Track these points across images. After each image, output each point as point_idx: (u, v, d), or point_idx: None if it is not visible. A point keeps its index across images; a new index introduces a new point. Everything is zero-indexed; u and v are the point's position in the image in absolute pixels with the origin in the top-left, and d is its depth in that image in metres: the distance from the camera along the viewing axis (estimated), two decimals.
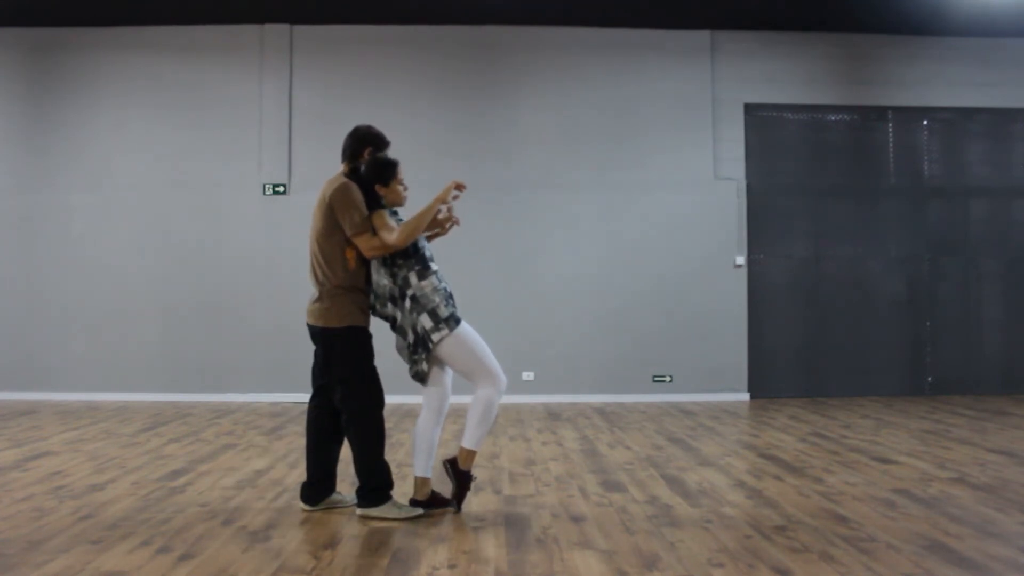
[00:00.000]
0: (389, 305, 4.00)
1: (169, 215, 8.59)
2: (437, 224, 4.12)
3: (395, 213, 4.07)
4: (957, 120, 9.14)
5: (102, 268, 8.53)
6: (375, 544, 3.54)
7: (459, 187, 4.02)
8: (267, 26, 8.67)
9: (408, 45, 8.76)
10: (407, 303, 3.93)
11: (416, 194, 4.32)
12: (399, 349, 4.04)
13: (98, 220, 8.59)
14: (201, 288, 8.51)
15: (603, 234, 8.70)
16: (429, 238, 4.15)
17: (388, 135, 4.27)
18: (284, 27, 8.68)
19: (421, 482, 4.01)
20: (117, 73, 8.69)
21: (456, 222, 4.17)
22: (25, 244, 8.59)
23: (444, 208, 4.09)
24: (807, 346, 8.87)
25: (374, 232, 3.91)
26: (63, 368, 8.47)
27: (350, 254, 3.97)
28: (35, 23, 8.62)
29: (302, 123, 8.63)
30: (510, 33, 8.79)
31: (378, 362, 4.05)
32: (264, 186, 8.59)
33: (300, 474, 4.69)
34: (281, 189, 8.58)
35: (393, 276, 3.97)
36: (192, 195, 8.60)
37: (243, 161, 8.63)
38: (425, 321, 3.89)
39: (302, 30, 8.70)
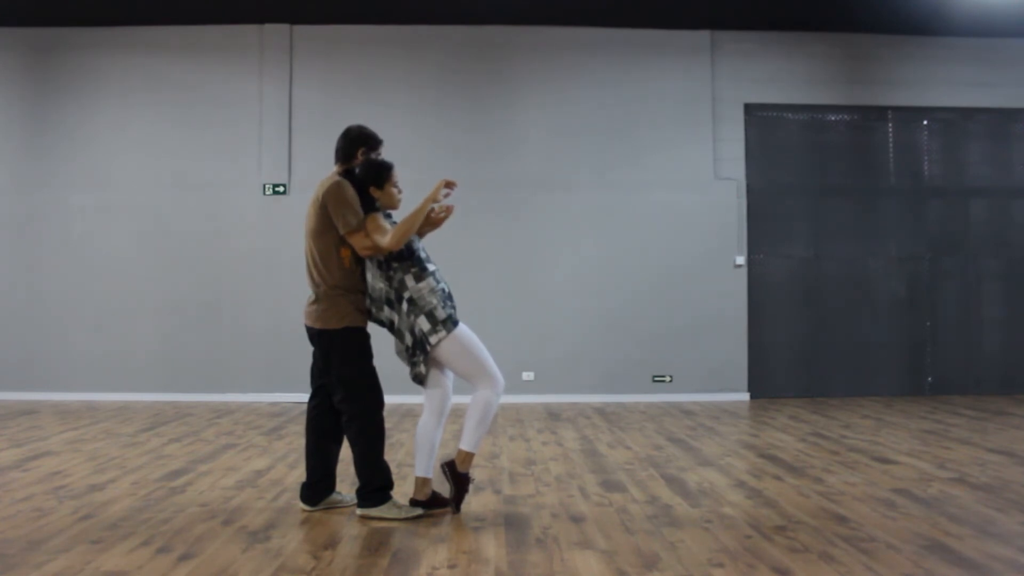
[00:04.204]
0: (386, 308, 3.99)
1: (169, 215, 8.60)
2: (431, 223, 4.11)
3: (389, 216, 4.06)
4: (957, 120, 9.14)
5: (102, 268, 8.53)
6: (375, 544, 3.54)
7: (449, 185, 4.01)
8: (267, 26, 8.68)
9: (408, 45, 8.76)
10: (404, 306, 3.92)
11: (417, 194, 4.31)
12: (398, 352, 4.03)
13: (98, 220, 8.59)
14: (201, 288, 8.51)
15: (603, 234, 8.70)
16: (421, 234, 4.13)
17: (388, 135, 4.27)
18: (284, 27, 8.68)
19: (422, 482, 4.01)
20: (117, 73, 8.69)
21: (451, 213, 4.14)
22: (25, 244, 8.59)
23: (436, 206, 4.07)
24: (807, 346, 8.87)
25: (367, 232, 3.90)
26: (63, 368, 8.47)
27: (345, 253, 3.96)
28: (35, 23, 8.62)
29: (302, 123, 8.64)
30: (510, 33, 8.79)
31: (377, 362, 4.05)
32: (264, 186, 8.59)
33: (300, 474, 4.69)
34: (281, 189, 8.58)
35: (389, 279, 3.95)
36: (192, 195, 8.60)
37: (243, 161, 8.63)
38: (423, 323, 3.88)
39: (302, 30, 8.70)
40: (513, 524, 3.83)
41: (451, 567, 3.21)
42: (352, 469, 4.07)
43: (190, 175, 8.63)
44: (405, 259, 3.92)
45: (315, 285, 4.01)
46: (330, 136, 4.36)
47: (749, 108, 8.93)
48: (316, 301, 3.99)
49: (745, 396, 8.66)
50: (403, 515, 3.91)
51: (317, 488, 4.10)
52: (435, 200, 3.98)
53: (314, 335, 4.02)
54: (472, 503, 4.20)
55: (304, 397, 4.46)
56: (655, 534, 3.66)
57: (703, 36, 8.86)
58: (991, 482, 4.69)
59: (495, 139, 8.73)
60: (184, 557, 3.31)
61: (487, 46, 8.82)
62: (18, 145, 8.68)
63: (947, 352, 8.98)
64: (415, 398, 6.78)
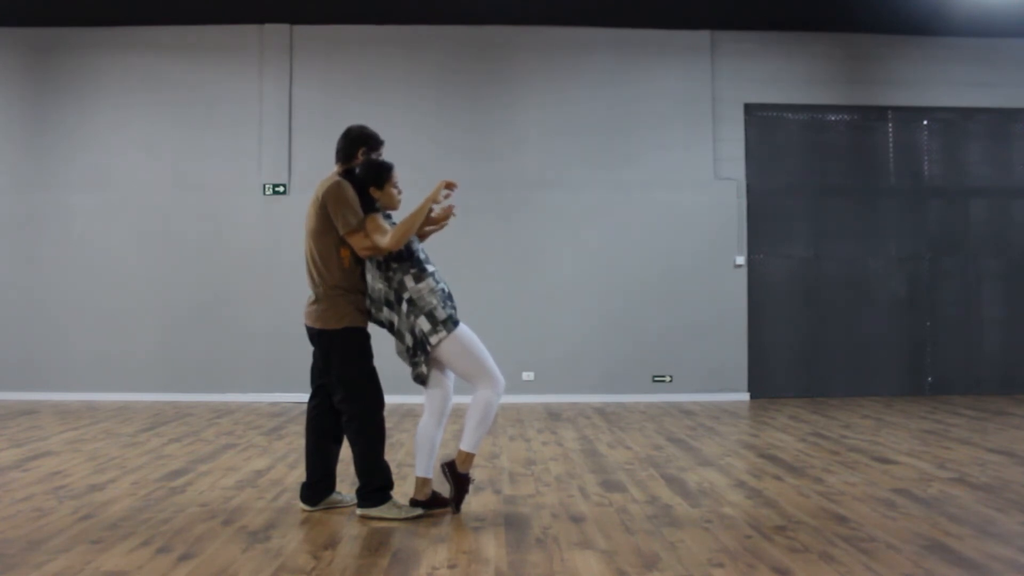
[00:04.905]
0: (385, 309, 3.98)
1: (169, 215, 8.59)
2: (432, 222, 4.11)
3: (388, 216, 4.06)
4: (957, 120, 9.14)
5: (102, 268, 8.53)
6: (375, 544, 3.54)
7: (449, 186, 4.01)
8: (267, 26, 8.67)
9: (408, 45, 8.76)
10: (404, 306, 3.91)
11: (417, 194, 4.31)
12: (399, 353, 4.03)
13: (98, 220, 8.59)
14: (201, 288, 8.51)
15: (603, 234, 8.70)
16: (424, 236, 4.14)
17: (387, 135, 4.27)
18: (284, 27, 8.68)
19: (422, 482, 4.01)
20: (117, 73, 8.69)
21: (453, 213, 4.16)
22: (25, 244, 8.59)
23: (437, 208, 4.08)
24: (807, 346, 8.87)
25: (367, 232, 3.90)
26: (63, 368, 8.47)
27: (345, 253, 3.96)
28: (35, 23, 8.62)
29: (302, 123, 8.64)
30: (510, 33, 8.79)
31: (378, 363, 4.05)
32: (264, 186, 8.59)
33: (300, 474, 4.69)
34: (281, 189, 8.58)
35: (388, 280, 3.95)
36: (192, 195, 8.60)
37: (243, 161, 8.63)
38: (423, 324, 3.88)
39: (302, 30, 8.70)
40: (513, 524, 3.83)
41: (451, 567, 3.21)
42: (352, 469, 4.07)
43: (190, 175, 8.63)
44: (404, 260, 3.92)
45: (315, 285, 4.01)
46: (330, 136, 4.36)
47: (749, 108, 8.93)
48: (316, 301, 4.00)
49: (745, 396, 8.66)
50: (403, 515, 3.91)
51: (317, 488, 4.10)
52: (435, 201, 3.99)
53: (314, 335, 4.03)
54: (472, 503, 4.20)
55: (304, 397, 4.46)
56: (655, 534, 3.66)
57: (703, 36, 8.86)
58: (991, 482, 4.69)
59: (495, 139, 8.73)
60: (184, 557, 3.31)
61: (487, 46, 8.82)
62: (18, 145, 8.67)
63: (947, 352, 8.98)
64: (415, 398, 6.78)
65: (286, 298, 7.90)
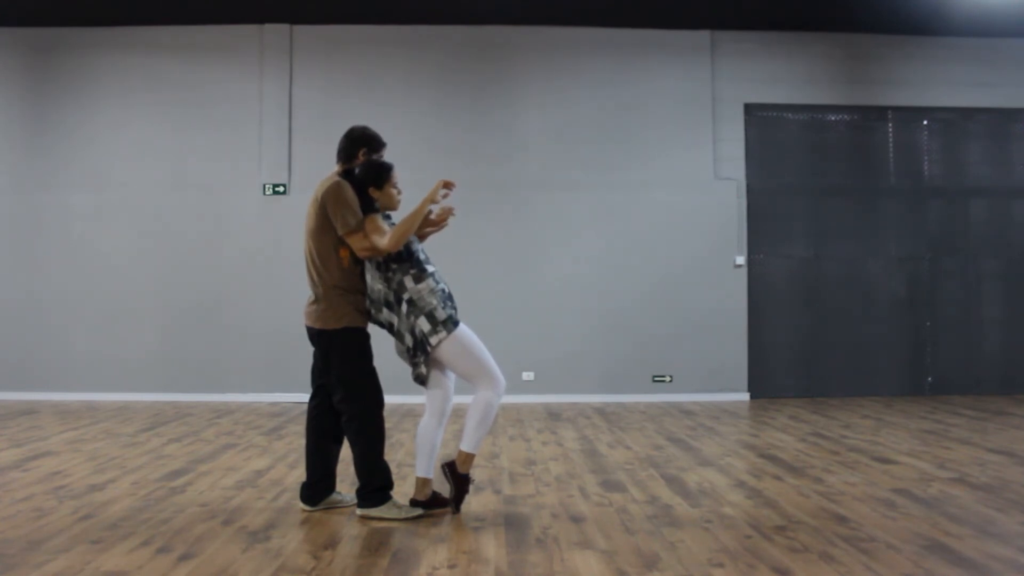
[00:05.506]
0: (384, 310, 3.98)
1: (169, 215, 8.60)
2: (431, 223, 4.11)
3: (388, 217, 4.06)
4: (957, 120, 9.14)
5: (102, 268, 8.53)
6: (375, 544, 3.54)
7: (447, 185, 4.01)
8: (267, 26, 8.68)
9: (408, 45, 8.77)
10: (404, 307, 3.91)
11: (417, 194, 4.30)
12: (399, 353, 4.02)
13: (98, 220, 8.59)
14: (201, 288, 8.51)
15: (603, 234, 8.70)
16: (423, 236, 4.14)
17: (387, 135, 4.27)
18: (284, 27, 8.68)
19: (422, 482, 4.01)
20: (117, 73, 8.69)
21: (452, 213, 4.15)
22: (25, 244, 8.59)
23: (436, 208, 4.08)
24: (807, 346, 8.87)
25: (366, 233, 3.90)
26: (63, 368, 8.47)
27: (344, 253, 3.96)
28: (35, 23, 8.62)
29: (302, 123, 8.64)
30: (510, 33, 8.80)
31: (378, 363, 4.05)
32: (264, 186, 8.59)
33: (300, 474, 4.69)
34: (281, 189, 8.58)
35: (387, 280, 3.94)
36: (192, 195, 8.60)
37: (243, 161, 8.63)
38: (423, 324, 3.88)
39: (302, 30, 8.70)
40: (513, 524, 3.83)
41: (451, 567, 3.21)
42: (352, 469, 4.07)
43: (190, 175, 8.63)
44: (404, 260, 3.91)
45: (314, 285, 4.01)
46: (330, 136, 4.36)
47: (749, 108, 8.93)
48: (316, 301, 4.00)
49: (745, 396, 8.66)
50: (403, 515, 3.91)
51: (317, 488, 4.10)
52: (433, 201, 3.98)
53: (314, 335, 4.03)
54: (472, 503, 4.20)
55: (304, 397, 4.46)
56: (655, 534, 3.66)
57: (703, 36, 8.86)
58: (991, 482, 4.69)
59: (495, 139, 8.73)
60: (184, 557, 3.31)
61: (487, 46, 8.82)
62: (18, 145, 8.67)
63: (947, 352, 8.98)
64: (415, 398, 6.78)
65: (286, 298, 7.90)
